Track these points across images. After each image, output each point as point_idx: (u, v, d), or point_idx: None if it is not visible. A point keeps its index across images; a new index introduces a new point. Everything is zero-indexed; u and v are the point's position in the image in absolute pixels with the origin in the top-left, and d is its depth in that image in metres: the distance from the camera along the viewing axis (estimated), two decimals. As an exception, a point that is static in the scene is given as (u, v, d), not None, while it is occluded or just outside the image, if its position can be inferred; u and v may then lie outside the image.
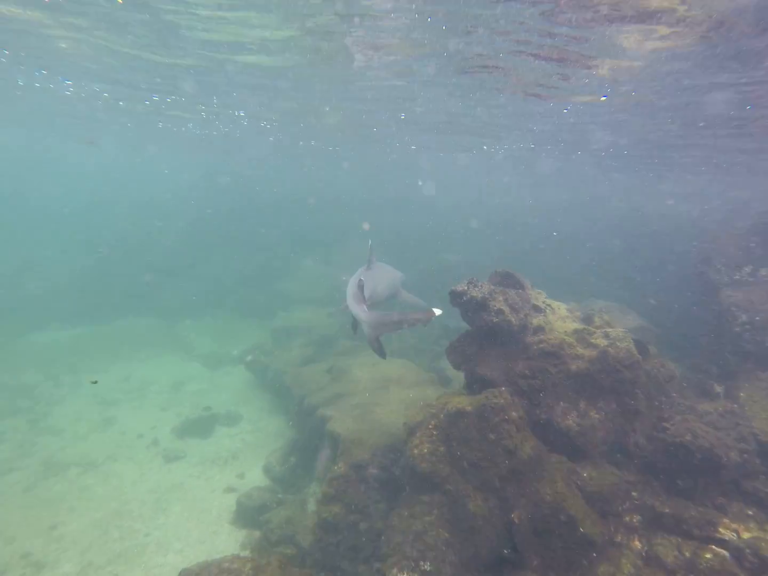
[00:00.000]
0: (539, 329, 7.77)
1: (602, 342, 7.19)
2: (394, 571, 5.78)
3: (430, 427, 6.87)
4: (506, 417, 6.35)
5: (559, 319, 8.22)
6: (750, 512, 6.25)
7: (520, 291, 7.94)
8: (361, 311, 6.65)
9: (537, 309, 8.16)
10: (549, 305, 8.41)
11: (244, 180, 47.12)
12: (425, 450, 6.63)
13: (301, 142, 31.67)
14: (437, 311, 5.84)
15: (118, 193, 38.14)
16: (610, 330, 7.54)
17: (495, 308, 7.03)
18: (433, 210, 34.74)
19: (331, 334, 17.20)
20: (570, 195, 44.72)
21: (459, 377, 9.21)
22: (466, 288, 7.30)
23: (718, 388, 8.93)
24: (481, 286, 7.33)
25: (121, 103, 21.56)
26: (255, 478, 11.26)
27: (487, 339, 7.44)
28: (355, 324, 7.59)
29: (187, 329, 21.06)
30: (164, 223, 28.12)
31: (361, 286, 6.78)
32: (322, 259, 26.26)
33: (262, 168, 54.06)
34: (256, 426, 13.80)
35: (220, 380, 16.88)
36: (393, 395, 10.53)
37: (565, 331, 7.70)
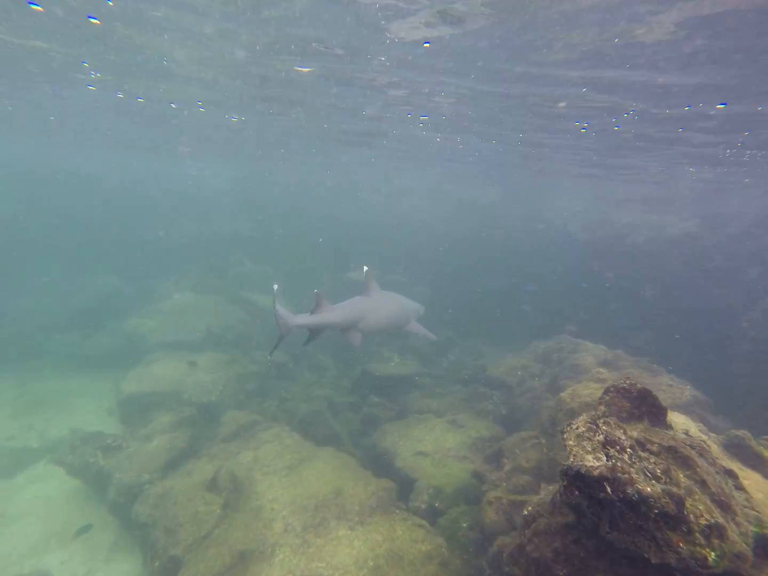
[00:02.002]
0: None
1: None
2: None
3: None
4: None
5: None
6: None
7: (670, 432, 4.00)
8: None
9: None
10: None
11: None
12: None
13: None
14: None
15: None
16: None
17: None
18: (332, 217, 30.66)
19: (215, 401, 12.00)
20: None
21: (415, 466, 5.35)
22: (611, 466, 2.97)
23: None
24: (630, 453, 3.26)
25: None
26: None
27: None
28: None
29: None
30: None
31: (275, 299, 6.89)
32: (200, 284, 20.27)
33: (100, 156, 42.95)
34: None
35: (20, 498, 10.37)
36: (340, 549, 6.23)
37: None
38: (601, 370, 6.48)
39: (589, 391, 6.24)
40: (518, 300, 13.44)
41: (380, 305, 8.18)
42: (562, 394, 6.42)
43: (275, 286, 7.27)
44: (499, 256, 17.51)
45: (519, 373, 10.53)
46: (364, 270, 8.06)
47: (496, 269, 16.98)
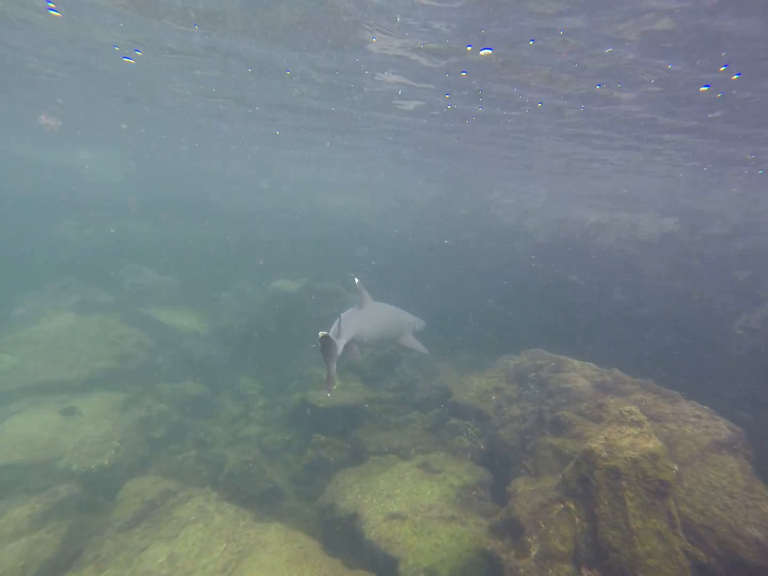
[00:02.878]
0: None
1: None
2: None
3: None
4: None
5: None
6: None
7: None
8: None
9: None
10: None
11: None
12: None
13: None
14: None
15: None
16: None
17: None
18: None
19: (108, 466, 9.01)
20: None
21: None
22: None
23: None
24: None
25: None
26: None
27: None
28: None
29: None
30: None
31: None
32: (83, 301, 16.22)
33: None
34: None
35: None
36: None
37: None
38: (632, 408, 5.21)
39: (629, 440, 4.93)
40: (472, 311, 12.26)
41: (373, 317, 8.10)
42: (593, 446, 5.03)
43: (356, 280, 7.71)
44: (444, 260, 16.36)
45: (493, 397, 9.19)
46: (356, 282, 7.95)
47: (441, 276, 15.84)
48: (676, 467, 4.76)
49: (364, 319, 7.80)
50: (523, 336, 11.83)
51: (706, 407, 6.06)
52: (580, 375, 7.94)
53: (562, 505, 5.16)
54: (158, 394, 12.36)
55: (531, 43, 9.14)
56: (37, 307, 15.95)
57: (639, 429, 4.97)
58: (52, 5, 10.24)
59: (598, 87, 9.92)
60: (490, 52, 9.53)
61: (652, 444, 4.77)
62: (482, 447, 8.49)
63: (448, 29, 9.28)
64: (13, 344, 12.93)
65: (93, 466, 8.76)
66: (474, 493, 7.43)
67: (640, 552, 4.25)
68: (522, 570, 4.78)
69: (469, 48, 9.57)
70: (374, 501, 7.53)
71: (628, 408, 5.21)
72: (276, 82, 14.00)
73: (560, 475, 5.53)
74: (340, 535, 7.20)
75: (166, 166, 38.06)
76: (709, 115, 10.31)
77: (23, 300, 16.61)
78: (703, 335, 8.88)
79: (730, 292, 8.83)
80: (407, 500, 7.37)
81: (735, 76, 8.67)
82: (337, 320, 7.02)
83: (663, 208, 11.67)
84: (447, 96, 12.37)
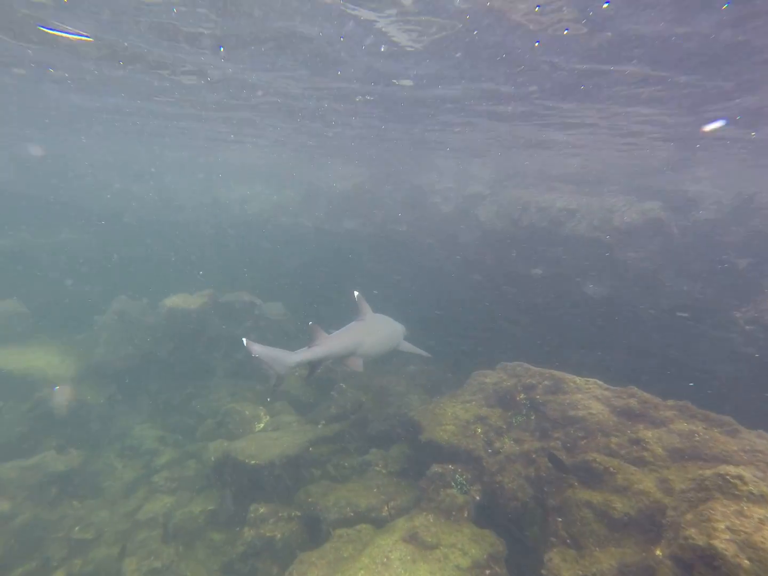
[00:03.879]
0: None
1: None
2: None
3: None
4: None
5: None
6: None
7: None
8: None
9: None
10: None
11: None
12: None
13: None
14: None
15: None
16: None
17: None
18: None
19: None
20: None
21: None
22: None
23: None
24: None
25: None
26: None
27: None
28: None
29: None
30: None
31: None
32: None
33: None
34: None
35: None
36: None
37: None
38: (741, 473, 3.80)
39: (752, 523, 3.49)
40: (416, 317, 10.54)
41: (376, 329, 8.19)
42: (717, 545, 3.50)
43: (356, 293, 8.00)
44: (374, 258, 14.30)
45: (478, 430, 7.52)
46: (356, 294, 8.08)
47: (372, 278, 13.80)
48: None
49: (368, 332, 7.75)
50: (484, 344, 10.46)
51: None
52: (589, 397, 6.61)
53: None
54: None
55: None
56: None
57: (766, 507, 3.57)
58: None
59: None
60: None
61: None
62: (477, 498, 6.80)
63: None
64: None
65: None
66: (488, 573, 5.68)
67: None
68: None
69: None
70: (358, 612, 5.40)
71: (735, 472, 3.79)
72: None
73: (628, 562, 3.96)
74: None
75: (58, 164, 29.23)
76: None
77: None
78: (704, 335, 8.24)
79: (731, 285, 8.24)
80: (405, 603, 5.37)
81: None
82: (314, 333, 6.88)
83: (634, 190, 10.94)
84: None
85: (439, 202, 13.14)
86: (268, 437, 9.50)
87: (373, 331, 7.88)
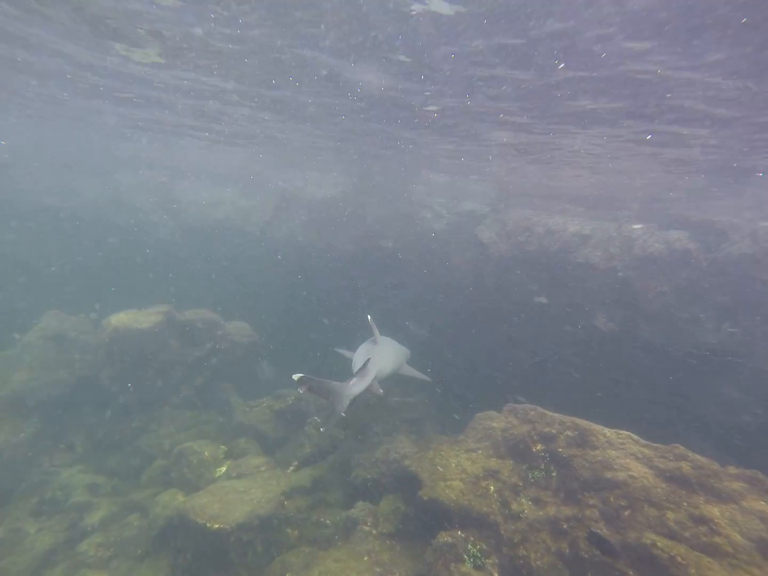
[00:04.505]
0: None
1: None
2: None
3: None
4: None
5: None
6: None
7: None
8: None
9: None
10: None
11: None
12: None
13: None
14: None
15: None
16: None
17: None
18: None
19: None
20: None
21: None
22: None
23: None
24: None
25: None
26: None
27: None
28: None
29: None
30: None
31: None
32: None
33: None
34: None
35: None
36: None
37: None
38: None
39: None
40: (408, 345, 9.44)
41: (387, 351, 8.28)
42: None
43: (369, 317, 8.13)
44: (358, 275, 12.99)
45: (491, 487, 6.48)
46: (369, 318, 8.16)
47: (352, 301, 12.52)
48: None
49: (382, 355, 7.80)
50: (484, 382, 9.48)
51: None
52: (625, 455, 5.75)
53: None
54: None
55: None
56: None
57: None
58: None
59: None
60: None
61: None
62: (495, 575, 5.72)
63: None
64: None
65: None
66: None
67: None
68: None
69: None
70: None
71: None
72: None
73: None
74: None
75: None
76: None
77: None
78: (721, 380, 7.49)
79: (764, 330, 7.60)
80: None
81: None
82: (365, 361, 6.70)
83: (654, 217, 10.24)
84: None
85: (430, 219, 12.17)
86: (233, 489, 7.97)
87: (385, 354, 8.01)
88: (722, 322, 7.65)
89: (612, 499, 5.39)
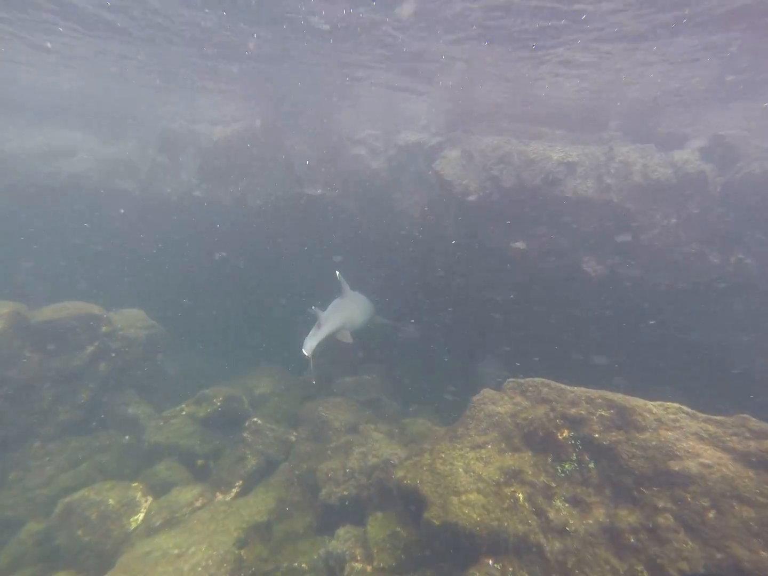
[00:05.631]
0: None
1: None
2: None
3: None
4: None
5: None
6: None
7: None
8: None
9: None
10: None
11: None
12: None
13: None
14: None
15: None
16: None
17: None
18: None
19: None
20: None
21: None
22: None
23: None
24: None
25: None
26: None
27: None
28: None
29: None
30: None
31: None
32: None
33: None
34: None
35: None
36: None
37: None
38: None
39: None
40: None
41: (356, 304, 8.80)
42: None
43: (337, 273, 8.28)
44: (281, 236, 10.20)
45: (518, 494, 5.10)
46: (337, 274, 8.33)
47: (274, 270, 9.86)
48: None
49: (352, 307, 8.39)
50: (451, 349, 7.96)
51: None
52: (685, 435, 4.72)
53: None
54: None
55: None
56: None
57: None
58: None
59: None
60: None
61: None
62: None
63: None
64: None
65: None
66: None
67: None
68: None
69: None
70: None
71: None
72: None
73: None
74: None
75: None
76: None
77: None
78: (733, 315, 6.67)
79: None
80: None
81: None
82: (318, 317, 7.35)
83: (643, 136, 8.59)
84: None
85: (365, 156, 9.78)
86: (162, 554, 5.68)
87: (355, 306, 8.60)
88: (732, 254, 6.87)
89: (687, 498, 4.34)
